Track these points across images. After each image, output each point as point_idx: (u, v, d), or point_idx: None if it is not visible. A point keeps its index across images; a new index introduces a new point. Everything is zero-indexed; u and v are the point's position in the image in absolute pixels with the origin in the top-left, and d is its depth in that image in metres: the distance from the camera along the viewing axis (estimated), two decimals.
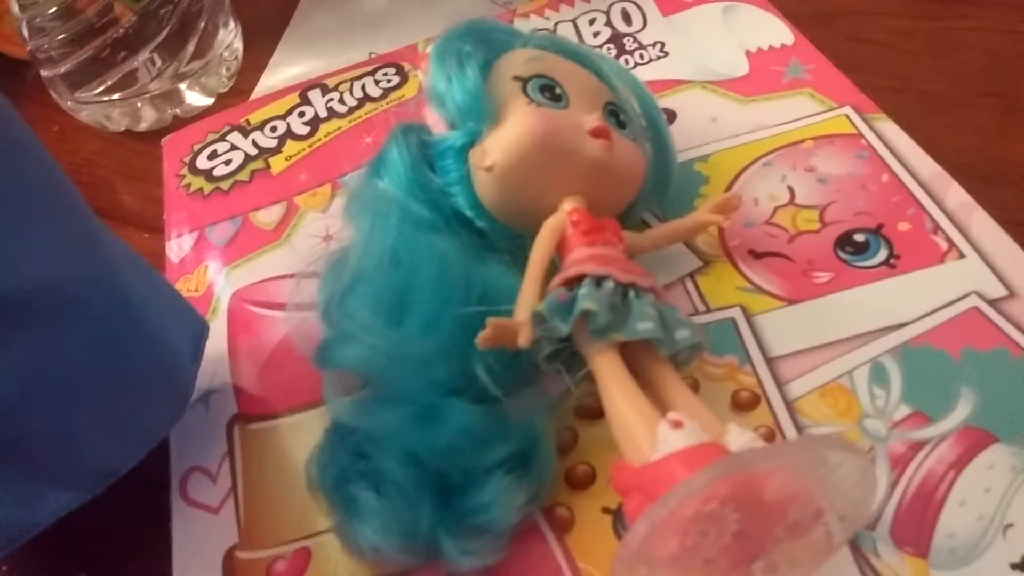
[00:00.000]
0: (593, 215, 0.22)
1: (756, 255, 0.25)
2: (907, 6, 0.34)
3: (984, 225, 0.24)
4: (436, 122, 0.24)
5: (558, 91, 0.23)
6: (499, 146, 0.22)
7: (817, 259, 0.24)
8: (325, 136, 0.32)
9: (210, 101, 0.36)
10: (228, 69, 0.37)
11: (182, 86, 0.35)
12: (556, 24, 0.34)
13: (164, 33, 0.33)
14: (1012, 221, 0.25)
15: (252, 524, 0.22)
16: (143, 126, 0.36)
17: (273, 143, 0.32)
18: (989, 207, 0.25)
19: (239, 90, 0.37)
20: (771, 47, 0.31)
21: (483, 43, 0.24)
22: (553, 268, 0.22)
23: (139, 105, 0.35)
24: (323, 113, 0.32)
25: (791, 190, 0.26)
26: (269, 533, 0.21)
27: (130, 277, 0.21)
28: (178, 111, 0.36)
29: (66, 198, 0.19)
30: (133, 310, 0.20)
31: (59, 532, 0.19)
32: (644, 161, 0.24)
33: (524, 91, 0.23)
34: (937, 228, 0.25)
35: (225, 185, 0.31)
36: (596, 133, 0.22)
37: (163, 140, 0.33)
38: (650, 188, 0.25)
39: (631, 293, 0.20)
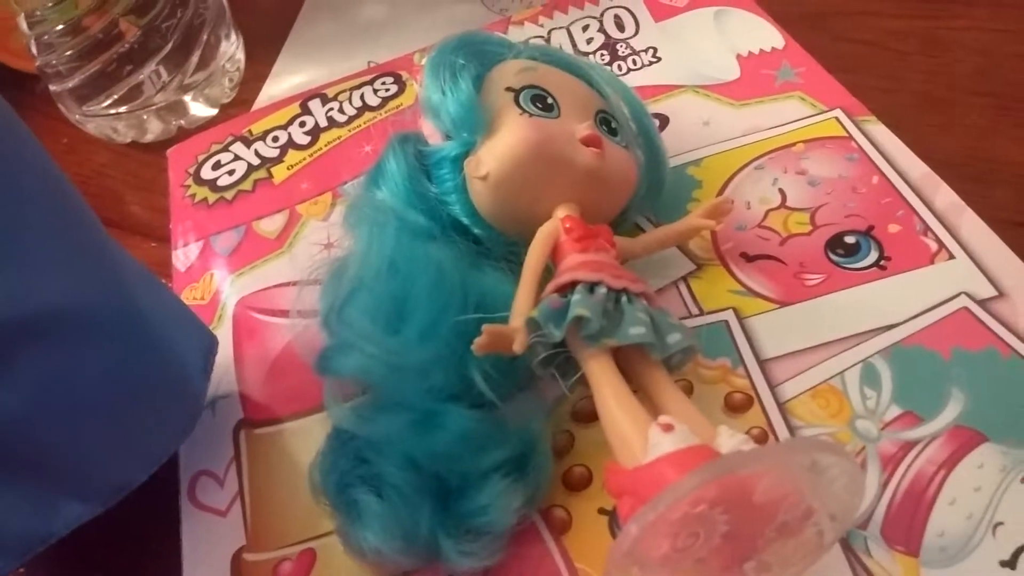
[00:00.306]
0: (586, 221, 0.23)
1: (748, 258, 0.25)
2: (898, 6, 0.34)
3: (973, 225, 0.25)
4: (431, 133, 0.25)
5: (550, 101, 0.23)
6: (493, 156, 0.23)
7: (808, 261, 0.25)
8: (325, 145, 0.32)
9: (214, 111, 0.37)
10: (231, 80, 0.37)
11: (186, 98, 0.36)
12: (550, 31, 0.34)
13: (168, 47, 0.34)
14: (1008, 221, 0.25)
15: (259, 526, 0.22)
16: (149, 137, 0.36)
17: (275, 153, 0.32)
18: (983, 207, 0.25)
19: (242, 100, 0.37)
20: (762, 51, 0.31)
21: (476, 55, 0.24)
22: (548, 274, 0.22)
23: (145, 117, 0.35)
24: (323, 123, 0.33)
25: (782, 193, 0.27)
26: (275, 535, 0.22)
27: (139, 290, 0.21)
28: (183, 122, 0.36)
29: (75, 211, 0.20)
30: (143, 324, 0.20)
31: (71, 537, 0.19)
32: (636, 167, 0.25)
33: (516, 102, 0.23)
34: (927, 229, 0.25)
35: (229, 195, 0.31)
36: (587, 141, 0.23)
37: (168, 151, 0.34)
38: (643, 193, 0.25)
39: (623, 298, 0.21)
